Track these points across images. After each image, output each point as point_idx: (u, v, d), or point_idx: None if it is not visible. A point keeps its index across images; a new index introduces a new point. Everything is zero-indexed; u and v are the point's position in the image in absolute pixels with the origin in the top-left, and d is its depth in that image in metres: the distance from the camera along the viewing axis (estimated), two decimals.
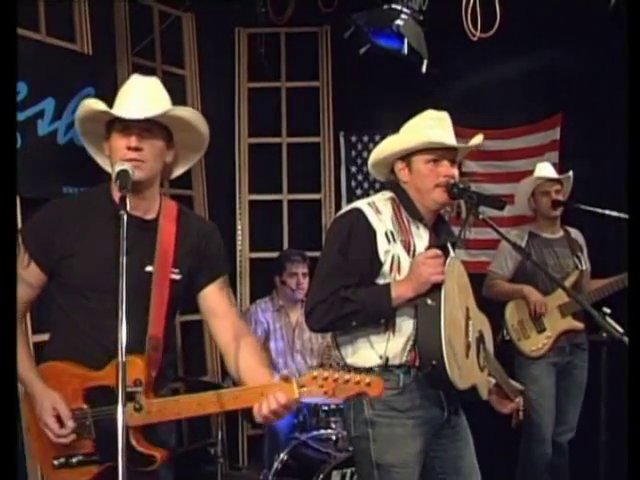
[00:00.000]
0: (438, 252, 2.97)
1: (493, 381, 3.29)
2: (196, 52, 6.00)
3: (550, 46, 5.42)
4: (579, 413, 4.82)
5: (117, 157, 2.54)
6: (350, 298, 2.93)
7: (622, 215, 4.21)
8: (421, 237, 3.10)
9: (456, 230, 5.54)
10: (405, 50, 4.31)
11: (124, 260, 2.17)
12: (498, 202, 3.07)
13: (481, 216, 3.01)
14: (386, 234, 3.00)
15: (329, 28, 6.30)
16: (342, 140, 6.42)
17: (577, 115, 5.48)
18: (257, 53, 6.25)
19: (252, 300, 5.70)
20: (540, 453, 4.72)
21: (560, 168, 5.08)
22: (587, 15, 5.02)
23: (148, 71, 5.54)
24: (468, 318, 3.10)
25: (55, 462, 2.60)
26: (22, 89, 4.33)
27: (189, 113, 2.67)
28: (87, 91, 4.69)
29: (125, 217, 2.24)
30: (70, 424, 2.52)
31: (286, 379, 2.37)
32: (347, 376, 2.32)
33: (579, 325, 4.68)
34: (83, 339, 2.57)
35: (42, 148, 4.48)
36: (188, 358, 5.58)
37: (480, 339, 3.17)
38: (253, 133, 6.37)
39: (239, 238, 6.28)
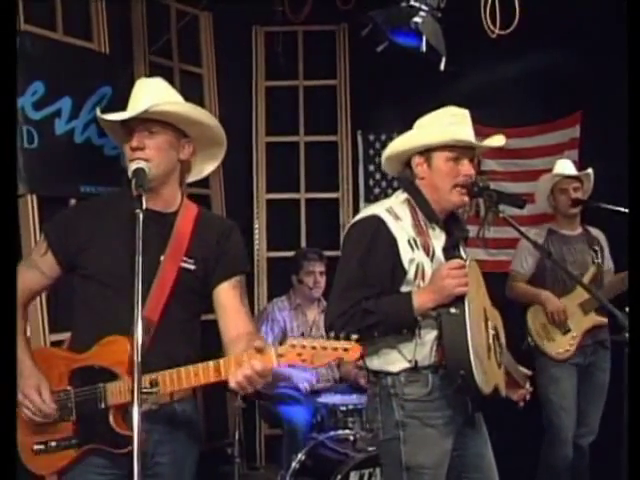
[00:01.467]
0: (462, 262, 2.91)
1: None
2: (213, 51, 5.99)
3: (569, 43, 5.38)
4: (601, 415, 4.77)
5: (127, 159, 2.62)
6: (371, 309, 2.87)
7: None
8: (437, 238, 3.04)
9: (474, 229, 5.53)
10: (423, 48, 4.27)
11: (140, 259, 2.18)
12: (518, 200, 3.03)
13: (501, 214, 2.97)
14: (409, 242, 2.94)
15: (347, 26, 6.28)
16: (360, 138, 6.40)
17: (597, 113, 5.43)
18: (274, 51, 6.25)
19: (269, 299, 5.68)
20: (561, 455, 4.67)
21: (580, 166, 5.03)
22: (607, 12, 4.97)
23: (165, 70, 5.55)
24: (486, 319, 3.07)
25: (35, 447, 2.62)
26: (39, 88, 4.34)
27: (176, 107, 2.66)
28: (104, 90, 4.69)
29: (141, 216, 2.26)
30: (53, 406, 2.57)
31: (261, 349, 2.35)
32: (325, 343, 2.35)
33: (603, 320, 4.61)
34: (101, 324, 2.58)
35: (59, 147, 4.48)
36: (206, 357, 5.55)
37: (496, 335, 3.14)
38: (270, 132, 6.36)
39: (256, 237, 6.26)
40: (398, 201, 3.07)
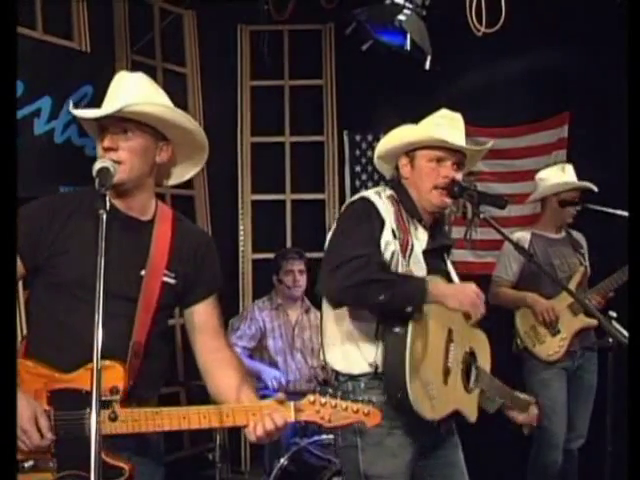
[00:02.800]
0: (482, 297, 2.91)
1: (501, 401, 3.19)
2: (197, 50, 5.94)
3: (557, 43, 5.35)
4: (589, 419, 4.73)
5: (98, 156, 2.46)
6: (382, 273, 2.80)
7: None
8: (419, 238, 3.02)
9: (461, 230, 5.47)
10: (408, 46, 4.23)
11: (102, 261, 2.05)
12: (499, 201, 2.98)
13: (482, 215, 2.93)
14: (392, 230, 2.92)
15: (332, 25, 6.23)
16: (346, 139, 6.35)
17: (585, 113, 5.39)
18: (259, 51, 6.19)
19: (254, 301, 5.62)
20: (551, 460, 4.62)
21: None
22: (595, 11, 4.93)
23: (148, 69, 5.48)
24: (449, 341, 2.98)
25: None
26: (18, 87, 4.28)
27: (153, 108, 2.48)
28: (85, 90, 4.64)
29: (104, 217, 2.13)
30: (49, 436, 2.34)
31: (281, 402, 2.32)
32: (345, 404, 2.31)
33: (592, 321, 4.56)
34: (66, 339, 2.42)
35: (38, 147, 4.42)
36: (189, 362, 5.49)
37: (470, 358, 3.07)
38: (256, 132, 6.30)
39: (241, 239, 6.20)
40: (385, 194, 3.04)
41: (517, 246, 3.10)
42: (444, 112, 3.11)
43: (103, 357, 2.07)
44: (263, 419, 2.29)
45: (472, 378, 3.06)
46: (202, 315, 2.64)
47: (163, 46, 5.70)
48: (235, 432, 5.85)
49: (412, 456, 2.95)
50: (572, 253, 4.71)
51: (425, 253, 3.00)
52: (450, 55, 4.97)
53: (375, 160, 3.22)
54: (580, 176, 4.72)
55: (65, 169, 4.45)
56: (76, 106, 2.67)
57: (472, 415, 3.07)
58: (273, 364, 5.00)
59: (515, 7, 4.12)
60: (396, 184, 3.10)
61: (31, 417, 2.33)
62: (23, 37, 4.41)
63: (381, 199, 2.98)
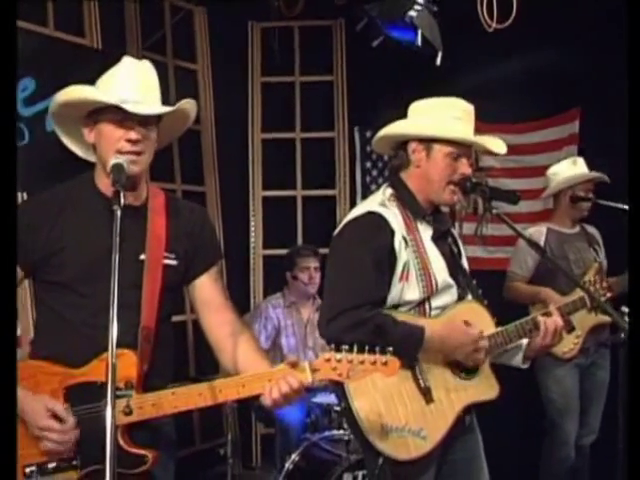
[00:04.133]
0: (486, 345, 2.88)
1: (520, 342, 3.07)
2: (208, 46, 5.95)
3: (568, 38, 5.32)
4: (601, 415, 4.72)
5: (112, 148, 2.39)
6: (382, 330, 2.73)
7: None
8: (425, 230, 2.97)
9: (472, 226, 5.46)
10: (419, 42, 4.23)
11: (117, 257, 2.05)
12: (511, 196, 2.95)
13: (495, 211, 2.90)
14: (403, 236, 2.86)
15: (343, 21, 6.22)
16: (357, 135, 6.35)
17: (596, 109, 5.37)
18: (270, 47, 6.18)
19: (265, 297, 5.64)
20: (563, 456, 4.60)
21: None
22: (607, 7, 4.91)
23: (159, 66, 5.42)
24: (411, 367, 2.88)
25: (27, 470, 2.34)
26: (30, 85, 4.30)
27: (191, 105, 2.57)
28: None
29: (119, 213, 2.12)
30: (71, 419, 2.32)
31: (295, 364, 2.29)
32: (362, 357, 2.26)
33: (607, 318, 4.52)
34: (73, 336, 2.40)
35: (50, 144, 4.40)
36: (200, 357, 5.52)
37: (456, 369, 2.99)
38: (266, 128, 6.30)
39: (252, 235, 6.21)
40: (386, 197, 2.97)
41: (530, 242, 3.07)
42: (460, 104, 3.01)
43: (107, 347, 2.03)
44: (279, 382, 2.26)
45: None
46: (205, 289, 2.62)
47: (174, 43, 5.72)
48: (246, 428, 5.89)
49: (437, 453, 2.91)
50: (587, 248, 4.69)
51: (435, 241, 2.97)
52: (461, 51, 4.95)
53: (376, 139, 3.10)
54: (592, 171, 4.71)
55: (77, 166, 4.42)
56: None
57: (489, 394, 2.98)
58: None
59: (526, 2, 4.11)
60: (395, 180, 3.02)
61: (41, 412, 2.33)
62: (35, 34, 4.43)
63: (387, 208, 2.90)
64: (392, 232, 2.84)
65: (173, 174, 5.66)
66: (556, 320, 2.96)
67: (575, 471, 4.69)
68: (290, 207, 6.33)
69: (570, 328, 4.53)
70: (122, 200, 2.17)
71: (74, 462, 2.35)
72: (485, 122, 4.98)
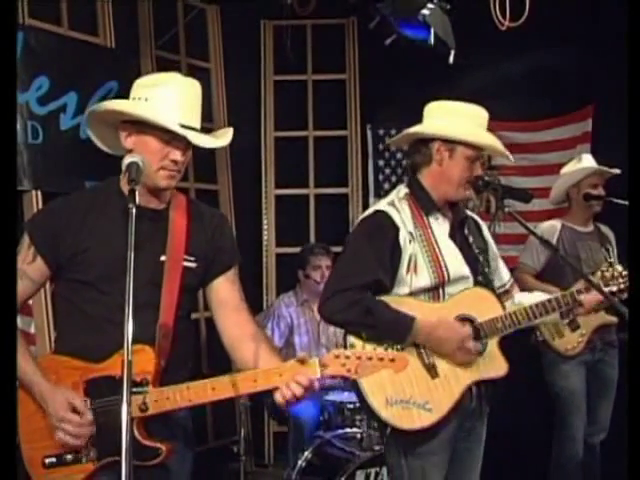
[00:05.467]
0: (478, 349, 3.00)
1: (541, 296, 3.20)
2: (221, 45, 5.96)
3: (582, 36, 5.31)
4: (611, 412, 4.70)
5: (157, 163, 2.48)
6: (372, 311, 2.94)
7: None
8: (441, 225, 3.13)
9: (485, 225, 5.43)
10: (432, 40, 4.23)
11: (132, 255, 2.10)
12: (524, 195, 2.99)
13: (507, 209, 2.94)
14: (409, 233, 3.03)
15: (356, 19, 6.22)
16: (369, 133, 6.35)
17: (609, 106, 5.35)
18: (283, 45, 6.18)
19: (277, 295, 5.65)
20: (572, 453, 4.59)
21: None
22: (621, 5, 4.89)
23: (172, 64, 5.52)
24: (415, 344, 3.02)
25: (46, 461, 2.45)
26: (44, 83, 4.32)
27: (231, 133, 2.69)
28: (110, 85, 4.67)
29: (134, 211, 2.17)
30: (88, 414, 2.43)
31: (304, 361, 2.34)
32: (370, 353, 2.32)
33: (612, 319, 4.54)
34: (94, 332, 2.49)
35: (64, 142, 4.45)
36: (213, 355, 5.54)
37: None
38: (279, 126, 6.31)
39: (265, 233, 6.22)
40: (399, 197, 3.15)
41: (542, 240, 3.10)
42: (480, 112, 3.16)
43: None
44: (289, 382, 2.33)
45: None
46: (222, 290, 2.70)
47: (187, 41, 5.73)
48: (259, 425, 5.90)
49: (453, 433, 3.04)
50: (599, 248, 4.68)
51: (453, 236, 3.13)
52: (474, 49, 4.95)
53: (402, 135, 3.25)
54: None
55: (90, 164, 4.46)
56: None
57: (497, 371, 3.07)
58: None
59: (539, 0, 4.10)
60: (413, 180, 3.19)
61: (63, 403, 2.42)
62: (48, 33, 4.46)
63: (395, 207, 3.08)
64: (397, 228, 3.02)
65: (186, 172, 5.66)
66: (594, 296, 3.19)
67: (587, 469, 4.68)
68: (303, 205, 6.34)
69: (575, 326, 4.55)
70: (137, 198, 2.22)
71: (91, 454, 2.44)
72: (498, 120, 5.01)
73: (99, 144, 2.70)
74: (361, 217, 3.20)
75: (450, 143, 3.08)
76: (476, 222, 3.33)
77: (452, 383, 2.99)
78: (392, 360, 2.31)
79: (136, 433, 2.38)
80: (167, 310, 2.52)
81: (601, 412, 4.70)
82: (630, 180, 2.43)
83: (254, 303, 5.46)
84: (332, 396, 4.56)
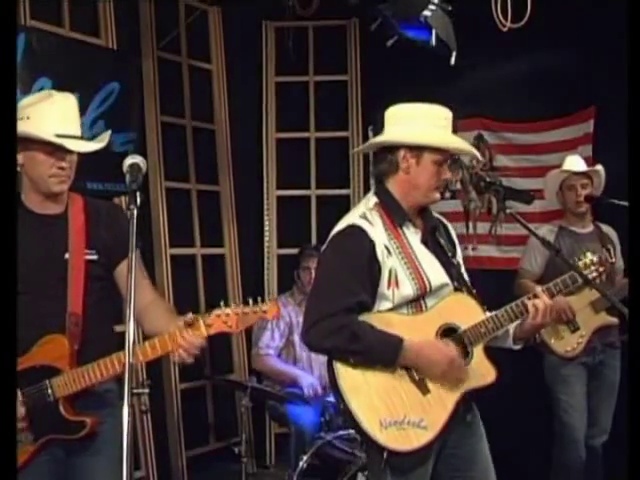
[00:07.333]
0: (462, 367, 2.95)
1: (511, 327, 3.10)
2: (222, 46, 5.97)
3: (583, 37, 5.30)
4: (612, 415, 4.70)
5: (46, 172, 2.80)
6: (359, 336, 2.85)
7: None
8: (413, 234, 3.05)
9: (487, 226, 5.45)
10: (433, 41, 4.23)
11: (133, 255, 2.31)
12: (525, 196, 2.99)
13: (508, 211, 2.93)
14: (385, 247, 2.94)
15: (357, 21, 6.23)
16: (371, 134, 6.30)
17: (611, 108, 5.35)
18: (284, 47, 6.19)
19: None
20: (573, 456, 4.59)
21: (593, 162, 4.95)
22: (622, 6, 4.89)
23: (174, 66, 5.53)
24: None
25: None
26: (45, 84, 4.32)
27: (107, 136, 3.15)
28: (112, 86, 4.67)
29: (135, 212, 2.34)
30: (22, 411, 2.72)
31: (192, 323, 2.64)
32: (246, 309, 2.65)
33: (613, 320, 4.54)
34: (23, 327, 2.69)
35: None
36: (214, 356, 5.55)
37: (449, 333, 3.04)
38: (281, 128, 6.32)
39: (266, 234, 6.23)
40: (369, 207, 3.05)
41: (544, 241, 3.09)
42: (444, 112, 3.06)
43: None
44: (179, 342, 2.65)
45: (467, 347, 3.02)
46: (125, 273, 2.79)
47: (188, 42, 5.74)
48: (261, 426, 5.90)
49: (436, 445, 2.95)
50: (600, 249, 4.65)
51: (425, 243, 3.07)
52: (475, 50, 4.94)
53: (367, 144, 3.25)
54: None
55: (92, 165, 4.46)
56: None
57: (485, 379, 3.01)
58: (298, 360, 5.05)
59: (540, 2, 4.10)
60: (381, 189, 3.08)
61: None
62: (50, 34, 4.46)
63: (367, 220, 2.98)
64: (372, 243, 2.93)
65: (188, 174, 5.68)
66: (544, 300, 3.01)
67: (589, 472, 4.68)
68: (304, 206, 6.35)
69: (574, 328, 4.55)
70: (138, 200, 2.39)
71: (29, 436, 2.75)
72: (499, 121, 5.03)
73: None
74: (333, 232, 3.05)
75: (416, 149, 2.99)
76: (445, 225, 3.26)
77: (444, 397, 2.94)
78: (264, 311, 2.65)
79: (62, 411, 2.74)
80: (75, 300, 2.82)
81: (601, 414, 4.70)
82: (630, 180, 2.43)
83: None
84: (333, 398, 4.55)
